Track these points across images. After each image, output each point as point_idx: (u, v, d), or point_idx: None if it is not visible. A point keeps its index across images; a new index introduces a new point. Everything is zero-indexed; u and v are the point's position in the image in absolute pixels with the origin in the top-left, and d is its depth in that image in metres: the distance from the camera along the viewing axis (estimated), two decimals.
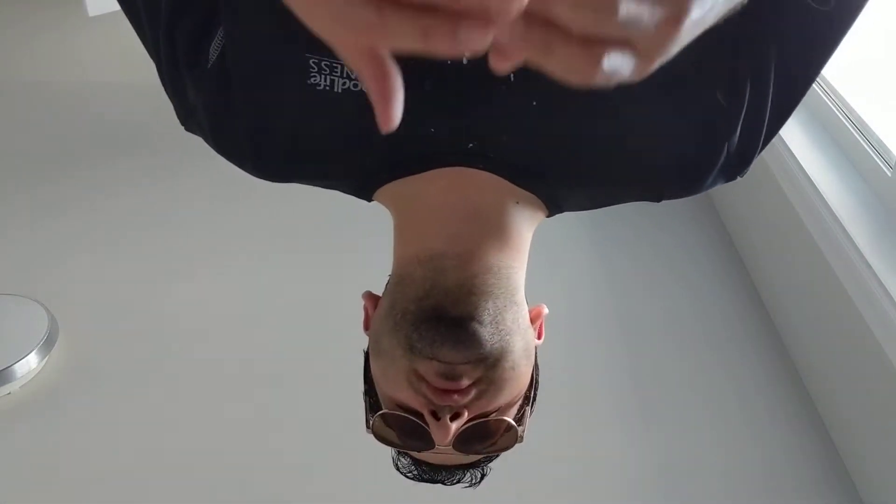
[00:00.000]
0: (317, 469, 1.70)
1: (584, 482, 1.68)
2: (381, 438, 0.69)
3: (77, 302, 2.10)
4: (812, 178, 1.78)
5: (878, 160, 1.73)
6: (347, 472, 1.70)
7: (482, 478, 0.75)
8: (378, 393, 0.69)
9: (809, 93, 1.79)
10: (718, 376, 1.91)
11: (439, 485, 0.75)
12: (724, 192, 2.42)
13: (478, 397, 0.64)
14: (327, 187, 0.77)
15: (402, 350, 0.63)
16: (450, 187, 0.68)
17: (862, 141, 1.79)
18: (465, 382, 0.62)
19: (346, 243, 2.30)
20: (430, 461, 0.72)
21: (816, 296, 1.81)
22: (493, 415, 0.65)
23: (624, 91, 0.52)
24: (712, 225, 2.40)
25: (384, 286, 0.70)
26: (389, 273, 0.70)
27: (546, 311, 0.73)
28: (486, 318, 0.63)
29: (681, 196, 0.74)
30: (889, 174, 1.67)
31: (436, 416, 0.63)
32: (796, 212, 1.84)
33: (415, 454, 0.72)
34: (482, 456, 0.71)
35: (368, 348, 0.71)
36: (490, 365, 0.63)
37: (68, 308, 2.05)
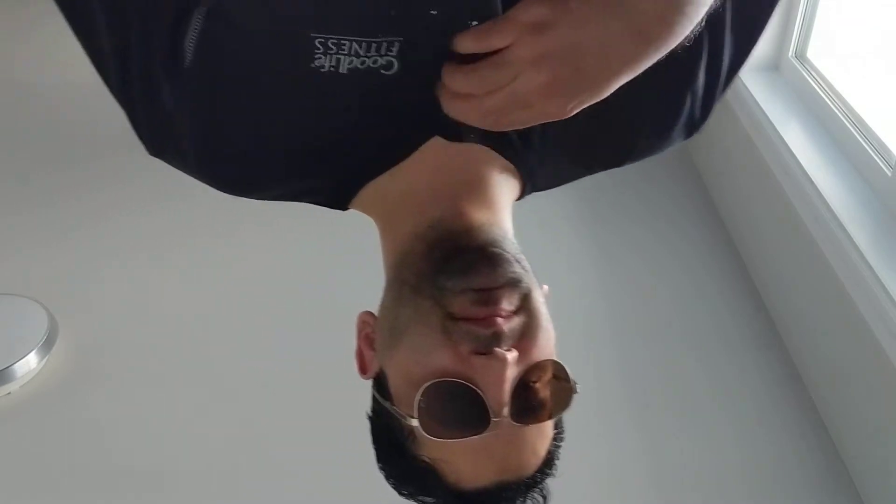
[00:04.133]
0: (317, 469, 1.70)
1: (583, 483, 1.68)
2: (426, 430, 0.59)
3: (77, 302, 2.10)
4: (812, 178, 1.78)
5: (878, 160, 1.73)
6: (348, 472, 1.70)
7: (545, 501, 0.66)
8: (410, 393, 0.60)
9: (809, 93, 1.81)
10: (718, 376, 1.91)
11: None
12: (724, 193, 2.42)
13: (521, 332, 0.59)
14: (301, 195, 0.72)
15: (430, 300, 0.58)
16: (438, 160, 0.67)
17: (862, 141, 1.79)
18: (506, 306, 0.58)
19: (346, 244, 2.29)
20: (487, 479, 0.62)
21: (816, 296, 1.81)
22: (541, 359, 0.60)
23: None
24: (712, 225, 2.39)
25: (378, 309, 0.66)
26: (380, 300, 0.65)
27: (547, 288, 0.69)
28: (508, 248, 0.61)
29: (643, 157, 0.74)
30: (889, 174, 1.67)
31: (483, 352, 0.57)
32: (797, 212, 1.83)
33: (468, 476, 0.62)
34: (539, 457, 0.64)
35: (381, 361, 0.64)
36: (525, 290, 0.60)
37: (68, 308, 2.05)
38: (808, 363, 1.87)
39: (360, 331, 0.68)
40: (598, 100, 0.56)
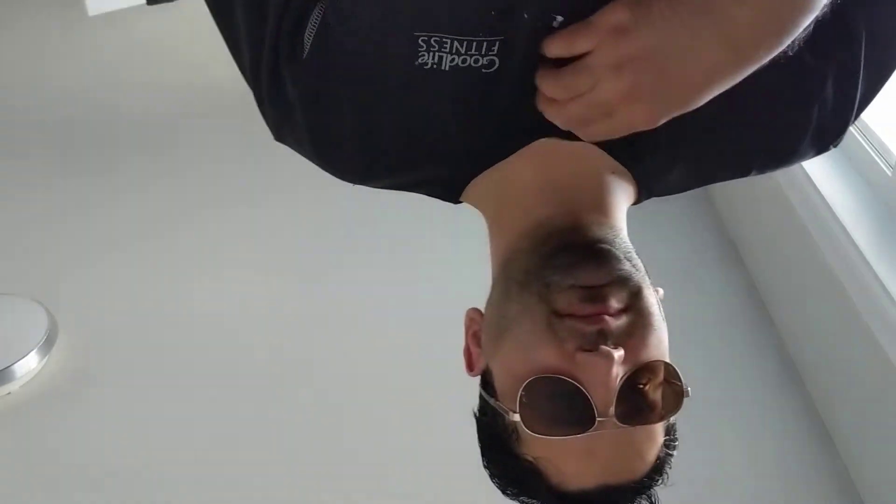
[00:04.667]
0: (318, 469, 1.70)
1: None
2: (528, 426, 0.58)
3: (77, 302, 2.10)
4: (812, 178, 1.78)
5: (878, 160, 1.72)
6: (349, 473, 1.70)
7: None
8: (513, 392, 0.59)
9: None
10: (717, 376, 1.91)
11: None
12: (724, 192, 2.42)
13: (629, 332, 0.58)
14: (415, 187, 0.73)
15: (536, 296, 0.58)
16: (549, 160, 0.67)
17: (862, 141, 1.79)
18: (613, 304, 0.57)
19: (343, 246, 2.29)
20: (592, 482, 0.60)
21: (816, 296, 1.81)
22: (650, 360, 0.59)
23: None
24: (712, 225, 2.39)
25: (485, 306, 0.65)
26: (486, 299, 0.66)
27: (662, 292, 0.67)
28: (618, 245, 0.60)
29: (773, 167, 0.72)
30: (889, 174, 1.67)
31: (588, 349, 0.56)
32: (796, 212, 1.83)
33: (570, 477, 0.61)
34: (648, 463, 0.62)
35: (488, 359, 0.64)
36: (634, 289, 0.59)
37: (68, 308, 2.05)
38: (808, 363, 1.87)
39: (467, 328, 0.68)
40: (689, 109, 0.55)
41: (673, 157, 0.70)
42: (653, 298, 0.61)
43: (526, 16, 0.57)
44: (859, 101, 0.68)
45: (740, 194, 2.31)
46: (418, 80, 0.62)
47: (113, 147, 2.77)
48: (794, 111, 0.67)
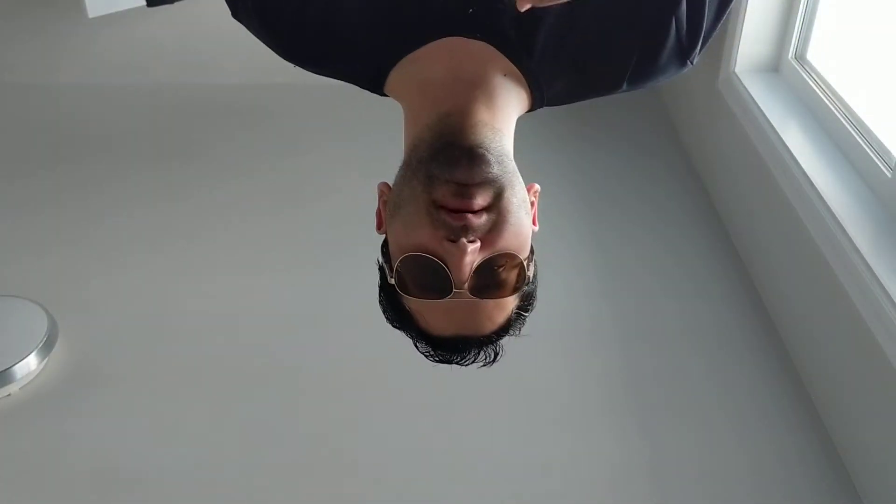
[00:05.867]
0: (317, 469, 1.70)
1: (584, 482, 1.68)
2: (401, 289, 0.74)
3: (77, 303, 2.10)
4: (812, 179, 1.78)
5: (878, 161, 1.73)
6: (349, 473, 1.70)
7: (496, 357, 0.78)
8: (397, 255, 0.73)
9: (809, 94, 1.80)
10: (717, 377, 1.91)
11: (455, 366, 0.79)
12: (724, 194, 2.42)
13: (488, 229, 0.70)
14: (345, 76, 0.83)
15: (421, 185, 0.70)
16: (450, 57, 0.77)
17: (862, 141, 1.80)
18: (478, 202, 0.69)
19: (345, 243, 2.30)
20: (447, 332, 0.76)
21: (816, 296, 1.81)
22: (503, 251, 0.70)
23: None
24: (712, 225, 2.40)
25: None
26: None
27: (538, 187, 0.80)
28: (493, 149, 0.71)
29: (641, 82, 0.82)
30: (889, 175, 1.68)
31: (453, 241, 0.68)
32: (796, 212, 1.84)
33: (432, 326, 0.76)
34: (496, 325, 0.75)
35: (386, 223, 0.76)
36: (498, 190, 0.70)
37: (68, 309, 2.05)
38: (808, 363, 1.87)
39: (379, 196, 0.80)
40: None
41: (559, 57, 0.80)
42: (515, 198, 0.71)
43: None
44: (710, 17, 0.79)
45: (740, 195, 2.31)
46: None
47: (112, 148, 2.77)
48: (653, 22, 0.78)
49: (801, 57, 2.16)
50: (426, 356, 0.80)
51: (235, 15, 0.83)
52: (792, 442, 1.75)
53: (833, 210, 1.68)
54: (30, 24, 3.28)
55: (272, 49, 0.83)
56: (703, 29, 0.79)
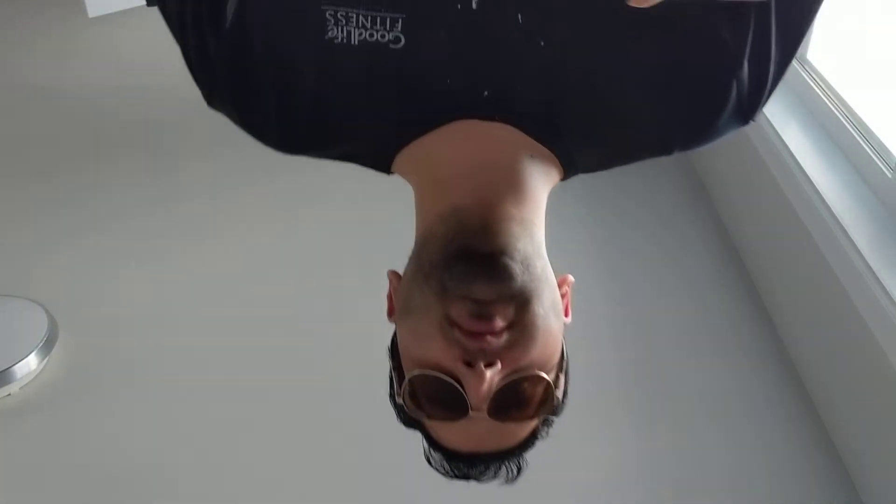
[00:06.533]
0: (317, 472, 1.70)
1: (581, 484, 1.68)
2: (412, 407, 0.66)
3: (77, 303, 2.10)
4: (812, 179, 1.78)
5: (878, 161, 1.73)
6: (350, 473, 1.70)
7: (519, 472, 0.71)
8: (407, 363, 0.66)
9: (809, 94, 1.80)
10: (717, 377, 1.91)
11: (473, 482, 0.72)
12: (724, 194, 2.42)
13: (510, 346, 0.62)
14: (346, 158, 0.75)
15: (434, 296, 0.62)
16: (466, 141, 0.69)
17: (862, 142, 1.79)
18: (499, 323, 0.61)
19: (344, 245, 2.30)
20: (464, 448, 0.68)
21: (816, 296, 1.81)
22: (528, 371, 0.63)
23: (628, 29, 0.64)
24: (712, 226, 2.39)
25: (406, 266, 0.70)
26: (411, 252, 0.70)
27: (572, 279, 0.72)
28: (517, 255, 0.62)
29: (693, 144, 0.74)
30: (889, 175, 1.67)
31: (469, 364, 0.61)
32: (796, 212, 1.83)
33: (447, 441, 0.69)
34: (518, 439, 0.68)
35: (396, 322, 0.70)
36: (521, 304, 0.61)
37: (68, 309, 2.05)
38: (808, 363, 1.87)
39: (390, 283, 0.73)
40: None
41: (592, 132, 0.72)
42: (542, 308, 0.63)
43: None
44: (774, 74, 0.71)
45: (740, 196, 2.31)
46: (329, 54, 0.66)
47: (113, 149, 2.77)
48: (713, 87, 0.70)
49: (801, 57, 2.16)
50: (441, 473, 0.71)
51: (211, 103, 0.73)
52: (792, 442, 1.75)
53: (833, 210, 1.67)
54: (29, 24, 3.28)
55: (257, 139, 0.74)
56: (768, 86, 0.71)
